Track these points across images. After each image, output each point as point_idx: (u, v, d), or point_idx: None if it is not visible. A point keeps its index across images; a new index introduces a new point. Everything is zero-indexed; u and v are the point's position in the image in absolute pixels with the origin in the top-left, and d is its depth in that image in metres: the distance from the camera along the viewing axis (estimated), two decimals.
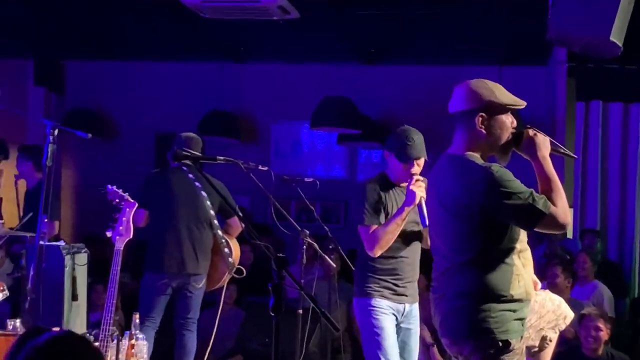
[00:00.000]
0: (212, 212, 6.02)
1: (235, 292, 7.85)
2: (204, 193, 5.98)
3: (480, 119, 3.38)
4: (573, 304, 6.90)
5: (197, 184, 5.99)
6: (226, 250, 5.98)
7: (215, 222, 6.05)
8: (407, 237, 4.75)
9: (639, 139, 8.85)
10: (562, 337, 6.76)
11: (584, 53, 6.34)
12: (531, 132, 3.49)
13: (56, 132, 4.43)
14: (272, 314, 3.02)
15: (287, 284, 3.23)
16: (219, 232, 6.06)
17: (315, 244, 5.28)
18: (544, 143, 3.47)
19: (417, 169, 4.67)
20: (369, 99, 9.65)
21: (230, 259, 5.95)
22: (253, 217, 9.43)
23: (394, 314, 4.76)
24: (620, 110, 8.92)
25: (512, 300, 3.32)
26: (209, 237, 6.12)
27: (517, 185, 3.27)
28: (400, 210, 4.63)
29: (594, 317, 6.04)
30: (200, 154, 5.79)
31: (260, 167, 4.93)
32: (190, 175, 6.03)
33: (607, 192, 8.92)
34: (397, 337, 4.80)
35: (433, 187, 3.53)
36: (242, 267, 5.99)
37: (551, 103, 9.30)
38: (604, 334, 6.03)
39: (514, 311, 3.33)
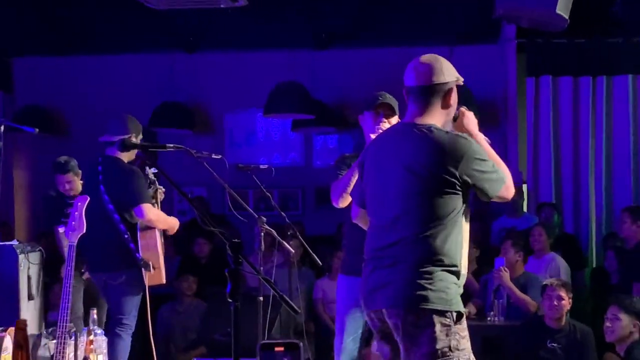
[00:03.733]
0: (110, 206, 5.65)
1: (195, 283, 7.81)
2: (102, 187, 5.67)
3: (452, 92, 3.50)
4: (527, 278, 7.04)
5: (100, 177, 5.72)
6: (131, 245, 5.61)
7: (116, 216, 5.65)
8: None
9: (589, 112, 8.95)
10: (526, 311, 6.89)
11: (532, 27, 6.39)
12: (463, 108, 3.65)
13: (2, 128, 4.34)
14: (230, 300, 3.02)
15: (246, 271, 3.21)
16: (121, 226, 5.65)
17: (273, 230, 5.25)
18: (474, 120, 3.64)
19: (386, 125, 4.62)
20: (322, 84, 9.62)
21: (137, 254, 5.57)
22: (210, 208, 9.35)
23: (355, 292, 4.76)
24: (570, 84, 9.00)
25: (459, 274, 3.40)
26: (111, 232, 5.67)
27: (485, 154, 3.44)
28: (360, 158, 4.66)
29: (555, 286, 6.12)
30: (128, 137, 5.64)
31: (213, 156, 4.89)
32: (100, 168, 5.78)
33: (561, 165, 9.02)
34: None
35: (394, 156, 3.48)
36: (148, 262, 5.57)
37: (503, 80, 9.37)
38: (566, 303, 6.10)
39: (459, 285, 3.40)
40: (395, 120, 4.70)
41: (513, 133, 9.35)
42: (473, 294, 7.28)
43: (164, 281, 5.85)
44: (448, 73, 3.48)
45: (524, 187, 9.15)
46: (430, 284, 3.30)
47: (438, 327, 3.29)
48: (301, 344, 4.98)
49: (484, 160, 3.40)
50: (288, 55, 9.67)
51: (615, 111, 9.00)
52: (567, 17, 5.39)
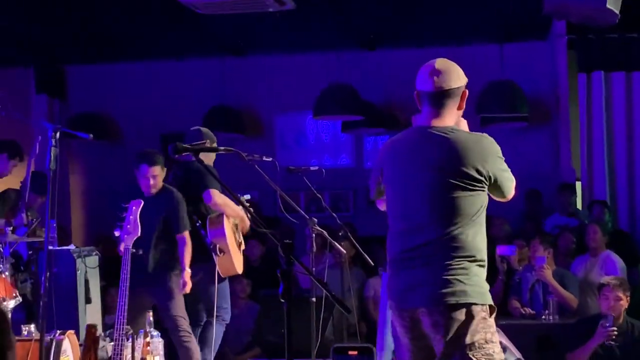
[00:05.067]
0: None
1: (249, 286, 7.86)
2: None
3: (465, 95, 3.62)
4: (561, 275, 7.03)
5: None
6: (202, 232, 6.01)
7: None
8: None
9: None
10: (567, 308, 6.87)
11: (581, 23, 6.33)
12: None
13: (58, 135, 4.42)
14: (283, 301, 3.03)
15: (298, 272, 3.23)
16: (194, 216, 6.07)
17: (324, 232, 5.27)
18: (466, 125, 3.70)
19: None
20: (371, 85, 9.63)
21: (207, 240, 5.97)
22: (262, 210, 9.40)
23: None
24: (623, 80, 8.90)
25: (485, 268, 3.50)
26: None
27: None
28: None
29: (613, 287, 6.03)
30: (202, 145, 5.85)
31: (264, 158, 4.95)
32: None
33: (614, 162, 8.92)
34: None
35: (419, 159, 3.52)
36: (216, 245, 5.96)
37: (554, 77, 9.28)
38: (624, 303, 6.03)
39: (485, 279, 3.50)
40: None
41: (565, 130, 9.26)
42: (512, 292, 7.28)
43: (239, 271, 6.24)
44: (462, 77, 3.58)
45: (578, 184, 9.06)
46: (467, 279, 3.39)
47: (476, 320, 3.37)
48: (374, 348, 4.97)
49: (502, 159, 3.53)
50: (336, 56, 9.69)
51: None
52: (617, 11, 5.33)
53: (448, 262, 3.39)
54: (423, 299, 3.42)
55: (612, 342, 5.99)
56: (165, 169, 6.09)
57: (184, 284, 5.81)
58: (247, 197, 6.14)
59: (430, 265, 3.42)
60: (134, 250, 5.54)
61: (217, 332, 6.16)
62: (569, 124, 9.27)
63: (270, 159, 4.94)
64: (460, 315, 3.35)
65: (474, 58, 8.80)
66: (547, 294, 6.94)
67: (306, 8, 7.49)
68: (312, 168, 5.76)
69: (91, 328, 4.38)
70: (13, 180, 7.41)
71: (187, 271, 5.85)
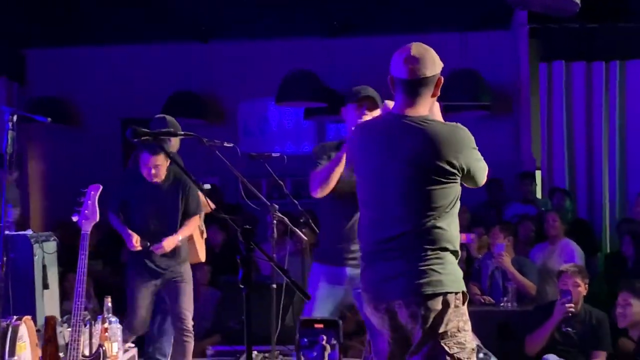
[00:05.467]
0: None
1: (209, 272, 7.83)
2: None
3: (440, 82, 3.52)
4: (520, 262, 7.11)
5: None
6: None
7: None
8: None
9: (603, 97, 8.93)
10: (525, 294, 6.94)
11: (543, 13, 6.37)
12: None
13: (15, 118, 4.36)
14: (242, 287, 3.02)
15: (259, 258, 3.21)
16: None
17: (285, 218, 5.25)
18: (439, 109, 3.65)
19: (369, 116, 4.49)
20: (335, 72, 9.62)
21: None
22: (224, 197, 9.37)
23: (330, 280, 4.76)
24: (583, 69, 8.99)
25: (459, 256, 3.49)
26: None
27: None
28: (342, 149, 4.53)
29: (571, 273, 6.09)
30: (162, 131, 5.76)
31: (225, 144, 4.90)
32: None
33: (574, 150, 9.01)
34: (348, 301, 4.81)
35: (391, 149, 3.46)
36: None
37: (515, 66, 9.34)
38: (582, 289, 6.08)
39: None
40: (377, 113, 4.51)
41: (526, 119, 9.33)
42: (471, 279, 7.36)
43: (202, 259, 6.30)
44: (438, 63, 3.49)
45: (538, 173, 9.14)
46: (442, 268, 3.37)
47: (451, 309, 3.36)
48: (341, 322, 5.01)
49: (476, 149, 3.48)
50: (301, 43, 9.67)
51: (629, 95, 8.99)
52: (578, 1, 5.38)
53: (423, 254, 3.37)
54: (399, 291, 3.39)
55: (570, 329, 6.04)
56: (169, 159, 5.72)
57: (161, 242, 5.67)
58: (207, 186, 6.07)
59: (405, 257, 3.39)
60: (147, 244, 5.62)
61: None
62: (529, 113, 9.34)
63: (231, 145, 4.90)
64: (437, 304, 3.34)
65: (437, 46, 8.76)
66: (506, 281, 7.02)
67: None
68: (273, 155, 5.72)
69: (50, 320, 4.34)
70: None
71: (177, 238, 5.75)
